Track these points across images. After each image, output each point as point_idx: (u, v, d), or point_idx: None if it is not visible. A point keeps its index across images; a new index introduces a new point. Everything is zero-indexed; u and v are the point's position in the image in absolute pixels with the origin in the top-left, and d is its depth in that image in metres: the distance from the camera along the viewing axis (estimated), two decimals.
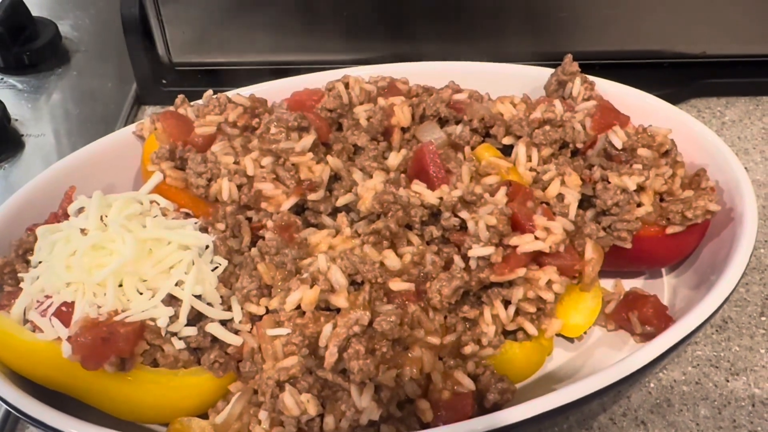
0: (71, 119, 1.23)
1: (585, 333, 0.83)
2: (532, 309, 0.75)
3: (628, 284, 0.89)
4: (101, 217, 0.74)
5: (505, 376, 0.74)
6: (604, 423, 0.80)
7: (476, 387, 0.71)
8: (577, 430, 0.80)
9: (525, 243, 0.72)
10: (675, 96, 1.16)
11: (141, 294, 0.69)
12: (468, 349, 0.73)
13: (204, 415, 0.71)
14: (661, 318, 0.81)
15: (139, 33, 1.17)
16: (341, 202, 0.82)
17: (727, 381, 0.84)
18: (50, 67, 1.31)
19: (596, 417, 0.81)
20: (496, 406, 0.73)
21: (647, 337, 0.82)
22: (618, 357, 0.84)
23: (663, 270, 0.92)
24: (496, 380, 0.73)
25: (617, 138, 0.83)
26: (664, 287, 0.90)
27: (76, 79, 1.30)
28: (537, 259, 0.74)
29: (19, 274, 0.74)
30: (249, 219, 0.82)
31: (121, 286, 0.69)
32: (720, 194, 0.86)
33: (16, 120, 1.20)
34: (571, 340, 0.85)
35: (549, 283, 0.73)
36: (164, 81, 1.24)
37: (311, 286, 0.69)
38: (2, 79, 1.29)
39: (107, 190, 0.82)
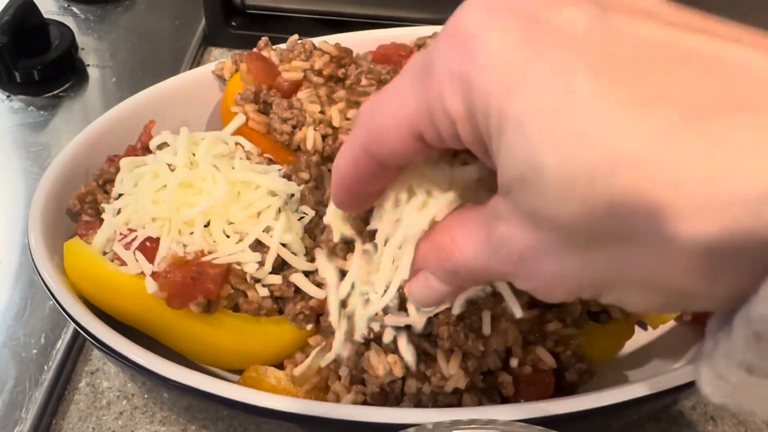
0: (136, 54, 1.20)
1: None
2: None
3: None
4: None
5: (585, 356, 0.72)
6: (674, 415, 0.79)
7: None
8: (647, 420, 0.78)
9: None
10: None
11: (228, 237, 0.67)
12: (551, 327, 0.71)
13: (279, 366, 0.70)
14: None
15: None
16: None
17: None
18: None
19: (666, 409, 0.79)
20: (573, 387, 0.71)
21: None
22: (691, 351, 0.82)
23: None
24: (576, 360, 0.71)
25: None
26: None
27: (143, 14, 1.27)
28: None
29: (102, 205, 0.72)
30: (330, 171, 0.80)
31: (206, 226, 0.67)
32: None
33: (82, 49, 1.18)
34: (644, 327, 0.82)
35: None
36: (234, 23, 1.21)
37: None
38: (68, 6, 1.26)
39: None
